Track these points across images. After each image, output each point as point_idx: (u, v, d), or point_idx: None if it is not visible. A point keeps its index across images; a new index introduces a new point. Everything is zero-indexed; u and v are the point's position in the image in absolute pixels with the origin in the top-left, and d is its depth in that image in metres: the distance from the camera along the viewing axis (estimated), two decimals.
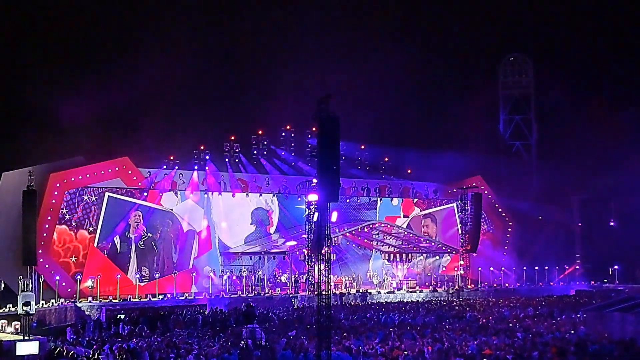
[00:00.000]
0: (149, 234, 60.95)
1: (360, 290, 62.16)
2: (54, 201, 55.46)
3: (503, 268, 72.92)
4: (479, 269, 70.43)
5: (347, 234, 66.19)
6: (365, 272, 69.61)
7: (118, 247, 59.66)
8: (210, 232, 63.86)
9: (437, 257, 71.57)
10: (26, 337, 31.51)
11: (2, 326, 37.64)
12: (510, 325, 39.56)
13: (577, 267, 77.70)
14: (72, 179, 57.02)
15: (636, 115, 73.70)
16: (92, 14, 73.23)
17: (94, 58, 70.00)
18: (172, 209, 62.10)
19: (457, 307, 51.09)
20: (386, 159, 76.93)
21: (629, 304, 37.28)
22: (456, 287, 67.07)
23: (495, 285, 70.36)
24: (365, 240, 70.16)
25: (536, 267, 73.36)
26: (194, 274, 60.20)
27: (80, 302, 51.52)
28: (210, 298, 55.58)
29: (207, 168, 64.92)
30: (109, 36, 73.30)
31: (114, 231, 59.44)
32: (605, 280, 74.38)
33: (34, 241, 49.00)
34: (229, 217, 64.65)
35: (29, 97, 58.53)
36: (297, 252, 60.98)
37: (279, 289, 60.87)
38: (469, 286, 68.26)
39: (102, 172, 58.97)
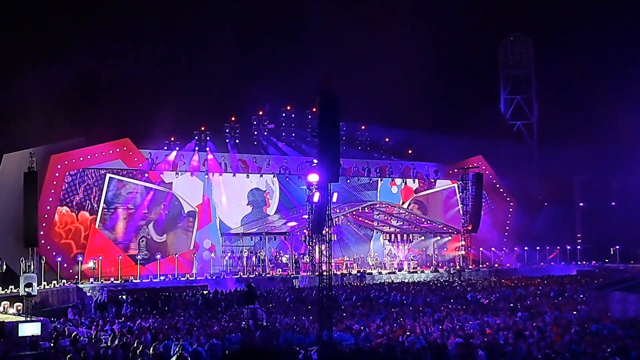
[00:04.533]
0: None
1: (361, 271, 62.17)
2: (55, 183, 55.53)
3: (504, 248, 72.99)
4: (480, 249, 70.46)
5: (348, 215, 66.18)
6: (366, 252, 69.62)
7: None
8: (210, 207, 63.98)
9: (439, 237, 71.55)
10: (28, 318, 31.54)
11: (4, 307, 37.64)
12: (512, 305, 39.62)
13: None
14: (73, 161, 57.09)
15: (638, 95, 73.64)
16: None
17: (93, 37, 69.82)
18: (171, 182, 62.15)
19: (458, 288, 51.13)
20: (387, 139, 76.84)
21: (631, 283, 37.31)
22: (457, 267, 67.06)
23: (496, 265, 70.39)
24: (366, 221, 70.17)
25: (537, 247, 73.40)
26: (195, 254, 60.34)
27: (81, 283, 51.62)
28: (212, 279, 55.68)
29: (207, 149, 65.07)
30: (109, 15, 73.15)
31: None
32: (606, 260, 74.36)
33: (35, 223, 48.77)
34: (228, 197, 64.73)
35: (28, 77, 58.42)
36: (298, 233, 60.94)
37: (280, 270, 60.91)
38: (470, 266, 68.29)
39: (103, 153, 59.06)
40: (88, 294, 49.87)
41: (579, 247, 77.84)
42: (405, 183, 73.88)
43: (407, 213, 69.23)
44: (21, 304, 38.24)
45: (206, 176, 63.69)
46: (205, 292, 49.06)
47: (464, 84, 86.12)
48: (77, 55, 62.50)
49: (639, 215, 72.62)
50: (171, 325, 32.29)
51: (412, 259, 67.94)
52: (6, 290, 44.78)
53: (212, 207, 64.12)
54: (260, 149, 70.00)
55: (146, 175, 60.97)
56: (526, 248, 73.01)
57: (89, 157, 58.11)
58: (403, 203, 72.78)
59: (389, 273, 62.90)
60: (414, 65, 74.72)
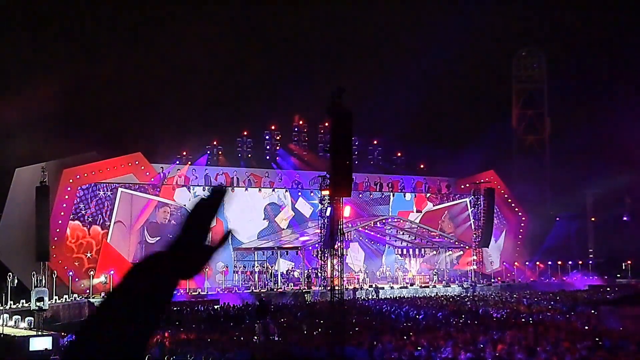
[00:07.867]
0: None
1: (374, 286, 62.03)
2: (66, 197, 55.58)
3: (516, 263, 72.74)
4: (492, 263, 70.24)
5: (360, 229, 66.11)
6: (378, 267, 69.48)
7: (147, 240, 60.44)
8: (223, 228, 63.71)
9: (450, 252, 71.37)
10: (39, 333, 31.59)
11: (15, 322, 37.71)
12: (524, 320, 39.50)
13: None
14: (85, 175, 57.10)
15: None
16: (106, 9, 73.49)
17: (106, 52, 70.15)
18: (184, 205, 62.10)
19: (470, 303, 51.02)
20: (399, 154, 76.81)
21: None
22: (469, 282, 66.90)
23: (508, 280, 70.18)
24: (378, 235, 70.08)
25: (549, 262, 73.12)
26: (207, 270, 60.19)
27: (93, 298, 51.62)
28: (223, 293, 55.63)
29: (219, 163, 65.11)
30: (122, 30, 73.53)
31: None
32: (618, 275, 74.01)
33: (47, 237, 49.10)
34: (242, 212, 64.57)
35: (39, 90, 58.65)
36: (310, 248, 60.86)
37: (292, 284, 60.84)
38: (482, 281, 68.10)
39: (115, 167, 59.03)
40: None
41: (590, 261, 77.47)
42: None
43: (418, 227, 69.08)
44: (32, 319, 38.33)
45: None
46: (216, 306, 49.06)
47: (476, 98, 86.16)
48: (90, 68, 62.86)
49: None
50: (182, 339, 32.29)
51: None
52: (17, 304, 44.81)
53: (224, 225, 63.93)
54: (273, 164, 70.00)
55: (158, 189, 60.95)
56: (537, 263, 72.78)
57: (100, 171, 58.11)
58: (417, 211, 72.68)
59: (400, 287, 62.78)
60: (426, 80, 74.86)
